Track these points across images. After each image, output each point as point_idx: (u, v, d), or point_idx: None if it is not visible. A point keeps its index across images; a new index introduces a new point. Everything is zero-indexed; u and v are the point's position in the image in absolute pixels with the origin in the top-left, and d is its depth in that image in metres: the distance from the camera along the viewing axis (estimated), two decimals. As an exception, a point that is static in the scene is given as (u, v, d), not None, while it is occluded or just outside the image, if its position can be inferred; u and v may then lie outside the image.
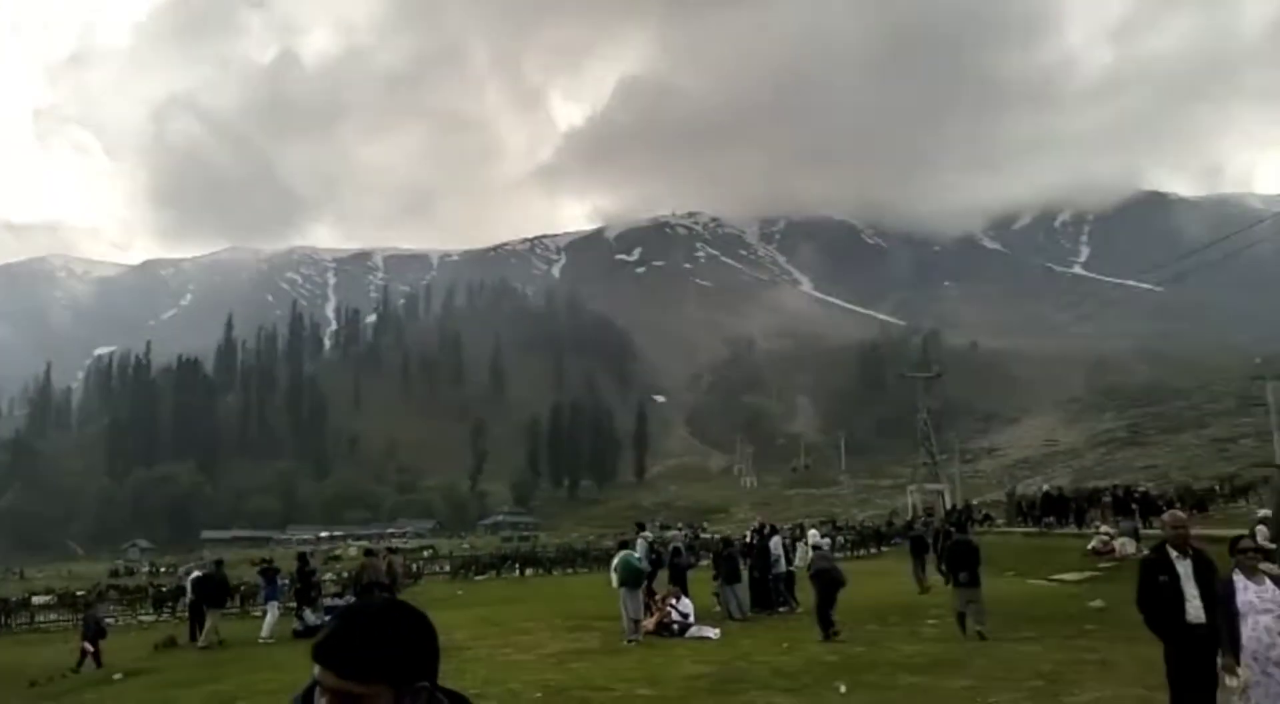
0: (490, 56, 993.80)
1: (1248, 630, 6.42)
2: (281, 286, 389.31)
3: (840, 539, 44.10)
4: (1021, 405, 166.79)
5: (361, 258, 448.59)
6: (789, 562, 20.92)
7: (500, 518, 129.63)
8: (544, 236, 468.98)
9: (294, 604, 22.73)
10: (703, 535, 60.90)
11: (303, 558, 23.72)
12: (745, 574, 20.17)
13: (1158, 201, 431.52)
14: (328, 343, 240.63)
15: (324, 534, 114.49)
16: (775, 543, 20.34)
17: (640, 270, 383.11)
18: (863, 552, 44.93)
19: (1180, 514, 9.24)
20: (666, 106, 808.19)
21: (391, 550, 29.48)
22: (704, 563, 29.38)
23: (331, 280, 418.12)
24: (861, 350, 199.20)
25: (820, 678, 11.10)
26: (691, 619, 17.09)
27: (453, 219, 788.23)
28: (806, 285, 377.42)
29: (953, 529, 22.80)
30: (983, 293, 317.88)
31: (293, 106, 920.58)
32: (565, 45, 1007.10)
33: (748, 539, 22.64)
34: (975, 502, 53.93)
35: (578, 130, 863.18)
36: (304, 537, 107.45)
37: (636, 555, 17.20)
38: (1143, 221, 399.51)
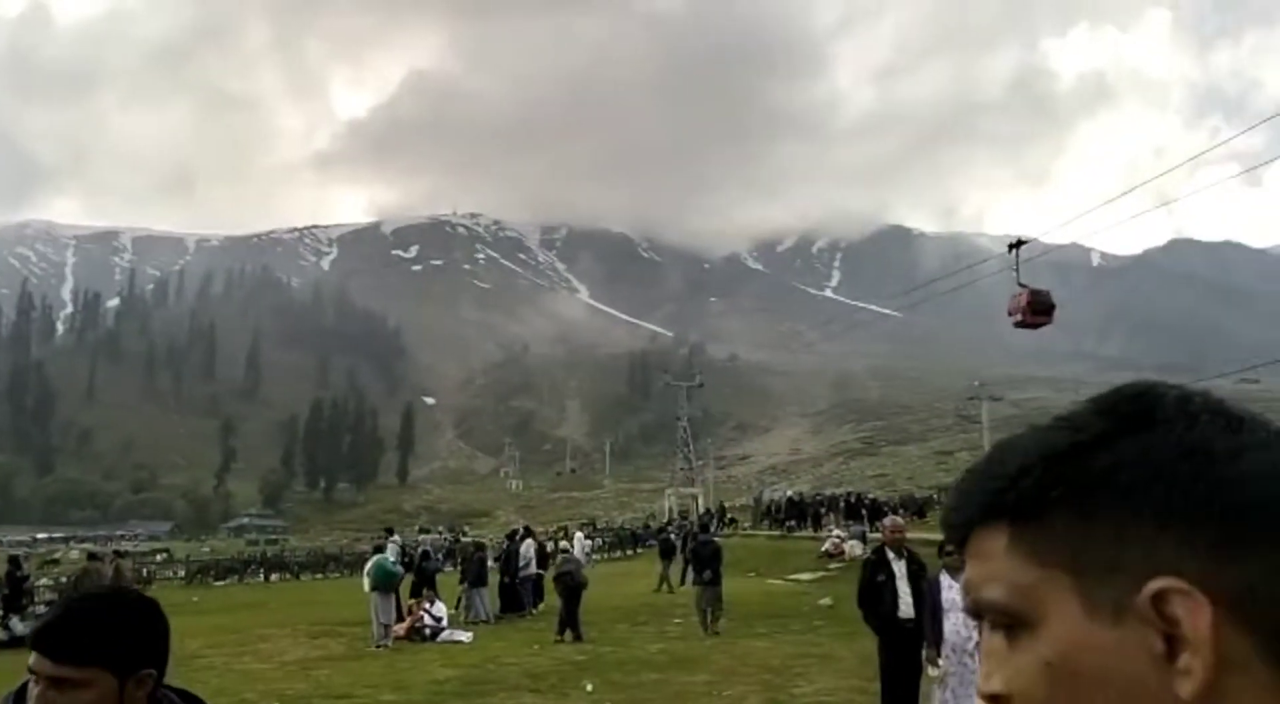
0: (269, 36, 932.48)
1: (949, 626, 6.98)
2: (10, 263, 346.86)
3: (599, 541, 45.11)
4: (773, 416, 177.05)
5: (107, 237, 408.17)
6: (541, 565, 21.08)
7: (246, 520, 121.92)
8: (315, 227, 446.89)
9: (1, 612, 20.38)
10: (463, 539, 60.09)
11: (14, 561, 21.55)
12: (496, 577, 20.23)
13: (901, 235, 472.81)
14: (61, 327, 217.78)
15: (42, 536, 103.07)
16: (526, 547, 20.43)
17: (417, 268, 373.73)
18: (619, 553, 46.12)
19: (899, 520, 10.17)
20: (455, 105, 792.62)
21: (119, 553, 26.90)
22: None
23: (70, 259, 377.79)
24: (631, 359, 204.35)
25: (568, 678, 11.28)
26: (444, 623, 16.86)
27: (216, 202, 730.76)
28: (583, 293, 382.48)
29: (699, 531, 23.94)
30: (745, 309, 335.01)
31: (40, 66, 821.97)
32: (351, 33, 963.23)
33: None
34: (727, 505, 56.66)
35: (359, 121, 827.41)
36: (19, 538, 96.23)
37: (391, 559, 16.84)
38: (888, 252, 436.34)
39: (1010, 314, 19.94)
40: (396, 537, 20.63)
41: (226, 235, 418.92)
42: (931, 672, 7.26)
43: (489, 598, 19.36)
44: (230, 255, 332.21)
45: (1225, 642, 0.56)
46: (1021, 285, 19.36)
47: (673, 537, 30.16)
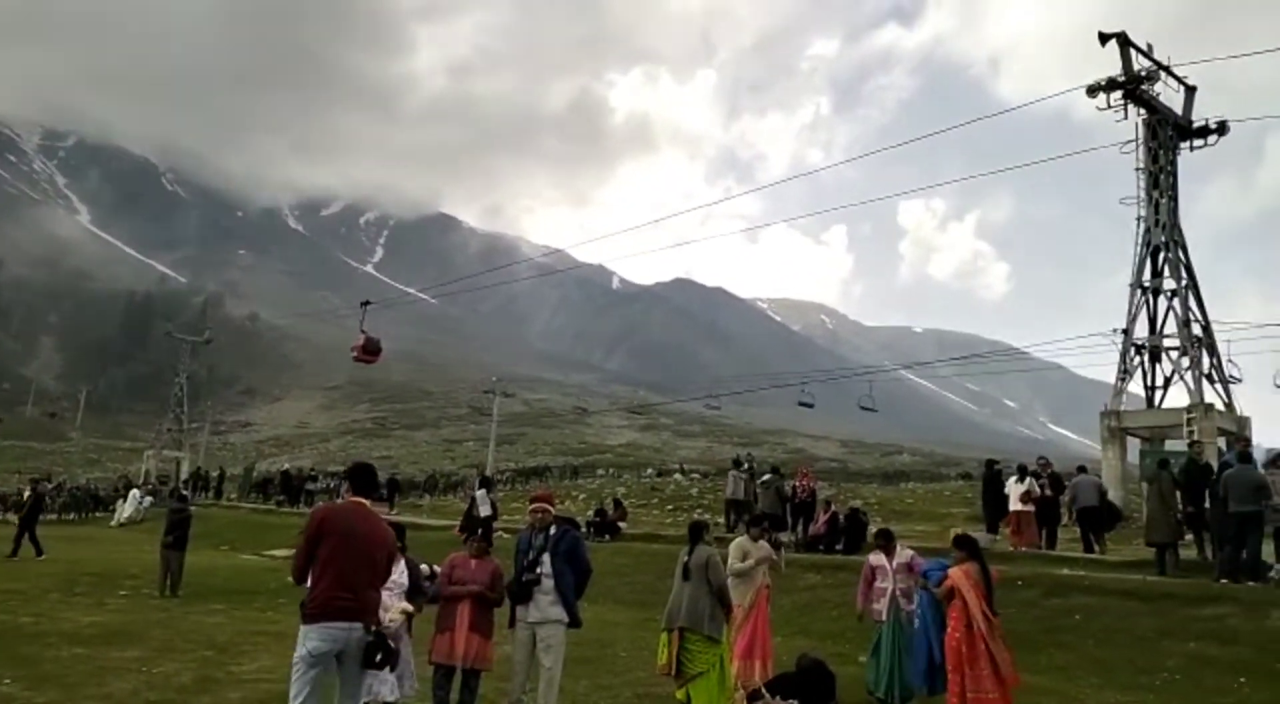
0: None
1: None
2: None
3: (47, 500, 39.92)
4: (287, 385, 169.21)
5: None
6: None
7: None
8: None
9: None
10: None
11: None
12: None
13: (449, 224, 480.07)
14: None
15: None
16: None
17: None
18: (74, 516, 41.30)
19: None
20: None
21: None
22: None
23: None
24: (131, 300, 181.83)
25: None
26: None
27: None
28: (85, 216, 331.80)
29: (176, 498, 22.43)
30: (277, 269, 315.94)
31: None
32: None
33: None
34: (216, 473, 52.76)
35: None
36: None
37: None
38: (433, 238, 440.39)
39: (352, 351, 27.20)
40: None
41: None
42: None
43: None
44: None
45: None
46: (362, 332, 26.33)
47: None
